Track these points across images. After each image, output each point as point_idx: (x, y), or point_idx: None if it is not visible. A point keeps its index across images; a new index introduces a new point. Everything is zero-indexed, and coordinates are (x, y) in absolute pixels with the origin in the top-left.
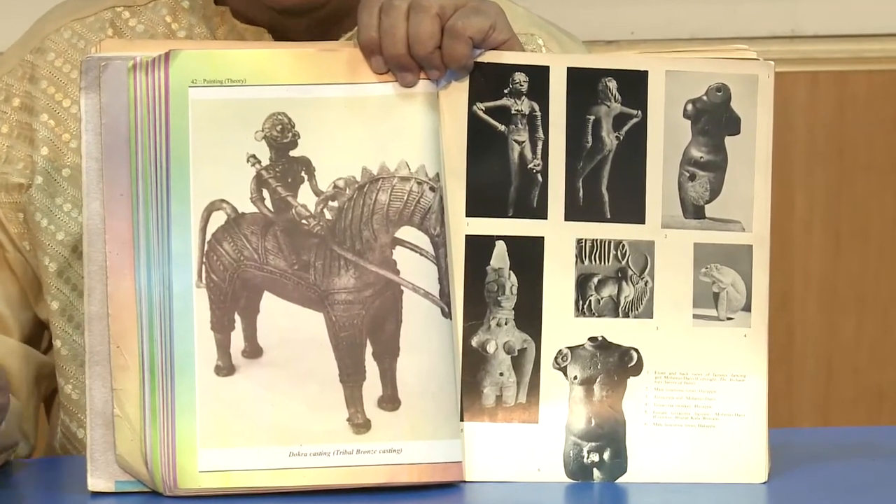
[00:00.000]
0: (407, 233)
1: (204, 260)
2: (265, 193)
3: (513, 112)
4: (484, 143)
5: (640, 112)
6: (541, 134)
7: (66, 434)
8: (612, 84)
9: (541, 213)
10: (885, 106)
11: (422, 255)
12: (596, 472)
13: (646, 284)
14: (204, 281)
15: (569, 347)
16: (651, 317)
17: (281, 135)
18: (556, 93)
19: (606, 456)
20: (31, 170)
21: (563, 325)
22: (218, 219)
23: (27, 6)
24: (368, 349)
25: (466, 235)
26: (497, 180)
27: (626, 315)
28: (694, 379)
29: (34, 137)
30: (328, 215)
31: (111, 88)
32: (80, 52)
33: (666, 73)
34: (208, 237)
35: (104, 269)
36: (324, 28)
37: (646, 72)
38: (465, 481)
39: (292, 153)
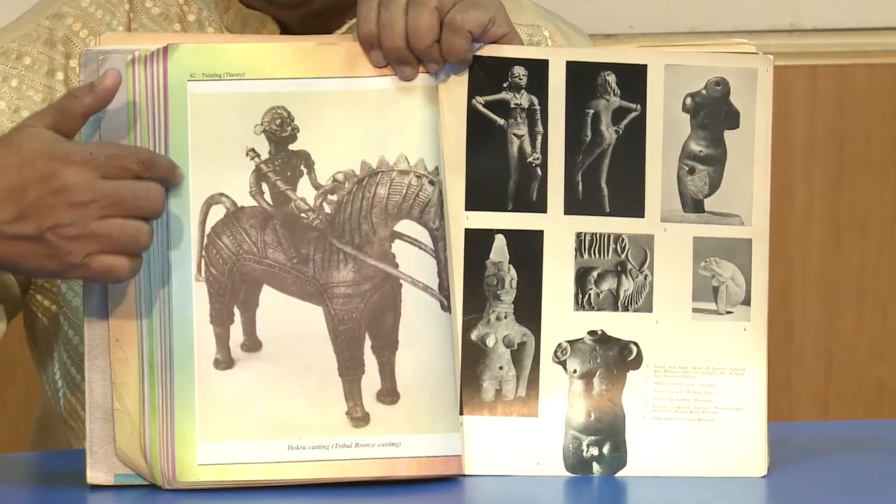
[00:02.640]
0: (406, 226)
1: (203, 253)
2: (264, 187)
3: (512, 106)
4: (483, 136)
5: (639, 106)
6: (540, 128)
7: (70, 385)
8: (612, 78)
9: (540, 206)
10: (885, 100)
11: (421, 248)
12: (595, 466)
13: (645, 278)
14: (203, 274)
15: (568, 341)
16: (650, 311)
17: (280, 128)
18: (556, 86)
19: (606, 450)
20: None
21: (562, 319)
22: (217, 212)
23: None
24: (367, 343)
25: (466, 229)
26: (496, 174)
27: (626, 309)
28: (693, 373)
29: (53, 96)
30: (327, 209)
31: None
32: (98, 22)
33: (665, 67)
34: (207, 231)
35: None
36: (324, 20)
37: (645, 66)
38: (464, 475)
39: (291, 147)
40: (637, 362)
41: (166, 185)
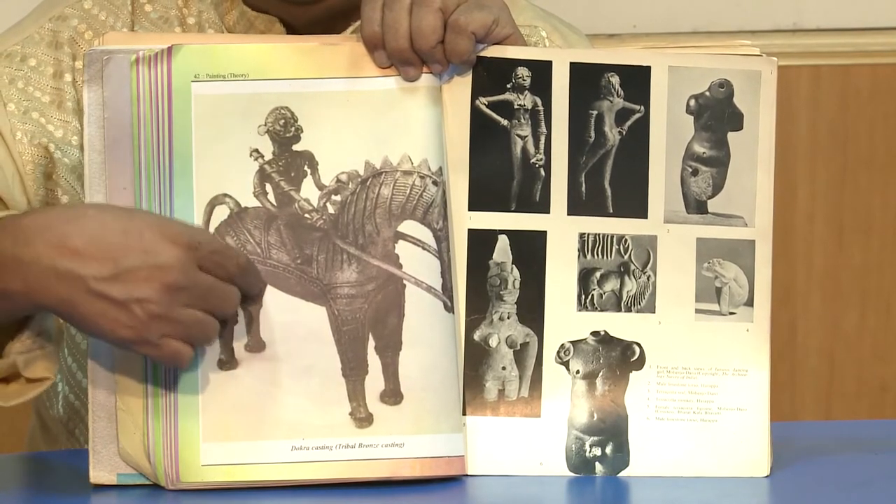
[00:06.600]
0: (409, 227)
1: None
2: (268, 188)
3: (515, 106)
4: (486, 137)
5: (642, 107)
6: (543, 128)
7: (74, 388)
8: (615, 79)
9: (543, 207)
10: (888, 100)
11: (424, 249)
12: (598, 466)
13: (648, 279)
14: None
15: (571, 342)
16: (653, 311)
17: (284, 129)
18: (559, 87)
19: (608, 450)
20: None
21: (565, 320)
22: (221, 213)
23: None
24: (371, 343)
25: (469, 229)
26: (499, 174)
27: (629, 309)
28: (696, 373)
29: (62, 98)
30: (331, 209)
31: (114, 82)
32: (101, 24)
33: (669, 69)
34: (211, 231)
35: None
36: (330, 21)
37: (648, 67)
38: (467, 475)
39: (295, 147)
40: (640, 363)
41: (246, 292)
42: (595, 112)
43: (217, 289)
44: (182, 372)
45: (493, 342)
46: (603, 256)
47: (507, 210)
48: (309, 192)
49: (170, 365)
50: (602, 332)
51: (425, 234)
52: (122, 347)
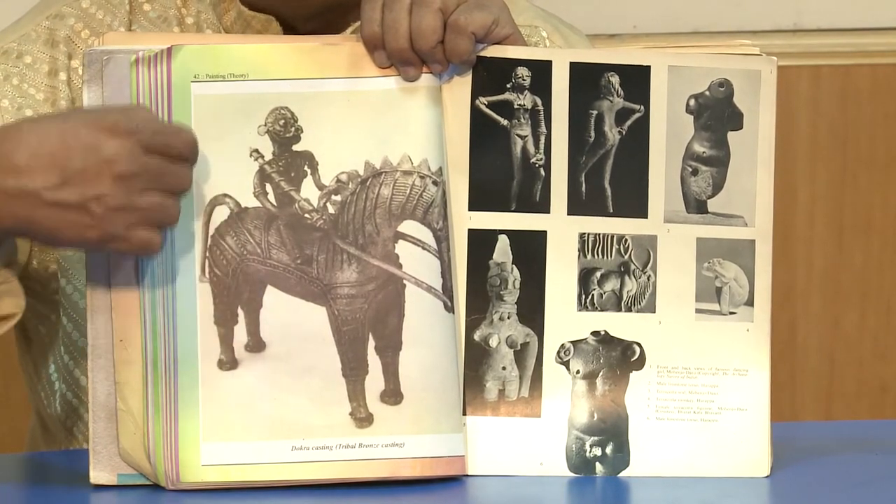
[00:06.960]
0: (409, 227)
1: (207, 254)
2: (268, 188)
3: (515, 106)
4: (486, 137)
5: (642, 107)
6: (543, 128)
7: (71, 386)
8: (615, 79)
9: (543, 207)
10: (889, 100)
11: (424, 249)
12: (598, 466)
13: (648, 279)
14: (207, 275)
15: (571, 342)
16: (654, 311)
17: (284, 129)
18: (559, 87)
19: (609, 450)
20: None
21: (565, 320)
22: (221, 213)
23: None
24: (371, 343)
25: (469, 229)
26: (499, 174)
27: (629, 309)
28: (696, 373)
29: (56, 97)
30: (331, 209)
31: (114, 82)
32: (99, 23)
33: (668, 69)
34: (211, 231)
35: (107, 263)
36: (329, 20)
37: (648, 67)
38: (467, 475)
39: (295, 147)
40: (640, 363)
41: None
42: (595, 112)
43: (168, 168)
44: (182, 372)
45: (493, 342)
46: (603, 256)
47: (508, 210)
48: (309, 192)
49: (142, 254)
50: (602, 332)
51: (425, 234)
52: (92, 250)
